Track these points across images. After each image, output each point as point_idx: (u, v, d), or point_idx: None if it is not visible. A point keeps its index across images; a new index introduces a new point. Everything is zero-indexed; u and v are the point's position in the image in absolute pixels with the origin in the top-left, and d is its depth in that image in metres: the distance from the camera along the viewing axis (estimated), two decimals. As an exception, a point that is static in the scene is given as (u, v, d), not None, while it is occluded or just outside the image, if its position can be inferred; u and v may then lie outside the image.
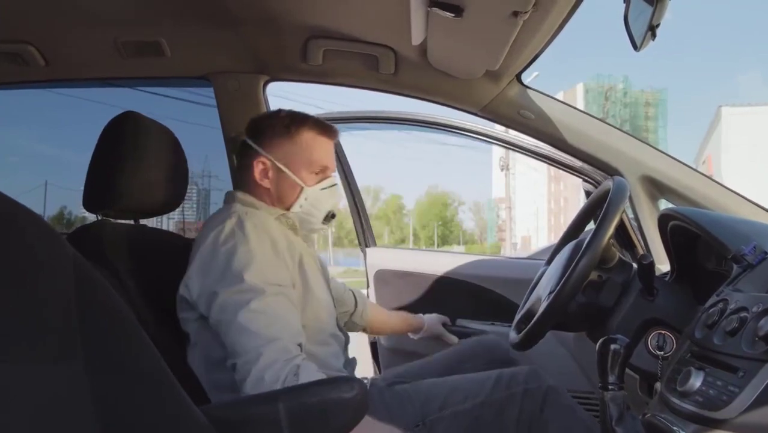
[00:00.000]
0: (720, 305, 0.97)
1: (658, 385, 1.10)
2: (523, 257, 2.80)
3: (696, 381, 0.88)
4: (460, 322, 1.96)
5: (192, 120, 2.15)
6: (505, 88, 1.63)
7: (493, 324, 1.96)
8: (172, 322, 1.31)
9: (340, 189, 1.46)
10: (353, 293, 1.71)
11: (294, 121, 1.39)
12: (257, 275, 1.20)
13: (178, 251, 1.40)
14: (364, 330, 1.78)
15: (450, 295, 2.01)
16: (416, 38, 1.39)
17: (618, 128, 1.71)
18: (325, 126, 1.41)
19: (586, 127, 1.67)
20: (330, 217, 1.41)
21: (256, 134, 1.40)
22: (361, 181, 2.18)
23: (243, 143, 1.42)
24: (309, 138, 1.38)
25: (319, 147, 1.39)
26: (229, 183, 1.83)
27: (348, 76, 1.75)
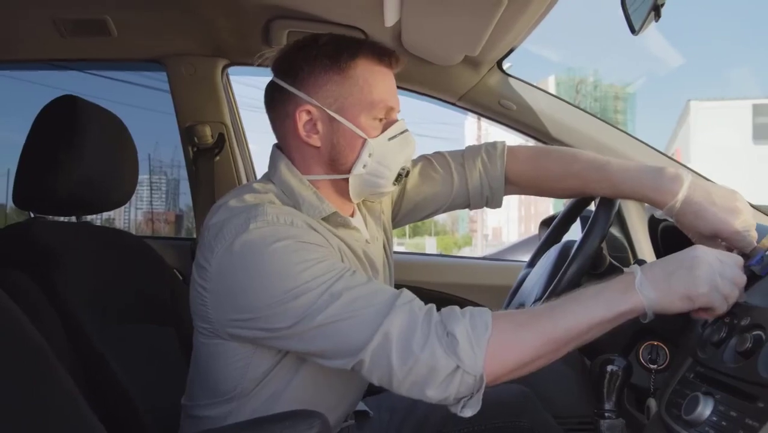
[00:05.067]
0: (726, 320, 0.88)
1: (651, 401, 1.03)
2: (495, 256, 2.70)
3: (705, 410, 0.78)
4: None
5: (162, 109, 2.04)
6: (485, 76, 1.58)
7: None
8: (126, 331, 1.21)
9: (413, 137, 1.07)
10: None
11: (343, 49, 1.03)
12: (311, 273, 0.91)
13: (129, 251, 1.31)
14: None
15: None
16: (389, 19, 1.31)
17: (605, 121, 1.63)
18: (385, 52, 1.05)
19: (572, 119, 1.62)
20: (404, 174, 1.07)
21: (291, 72, 1.04)
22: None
23: (272, 87, 1.07)
24: (366, 71, 1.02)
25: (380, 81, 1.04)
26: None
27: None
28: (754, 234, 1.01)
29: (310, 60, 1.02)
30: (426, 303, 0.90)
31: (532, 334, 0.87)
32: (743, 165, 15.70)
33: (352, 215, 1.10)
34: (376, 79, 1.03)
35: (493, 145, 1.22)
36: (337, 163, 1.03)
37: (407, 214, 1.25)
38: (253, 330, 0.92)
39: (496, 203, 1.24)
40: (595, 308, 0.87)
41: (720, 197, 1.03)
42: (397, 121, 1.05)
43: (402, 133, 1.05)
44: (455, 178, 1.21)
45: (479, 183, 1.21)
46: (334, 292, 0.87)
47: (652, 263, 0.89)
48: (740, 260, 0.89)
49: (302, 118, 1.02)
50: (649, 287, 0.85)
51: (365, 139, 1.01)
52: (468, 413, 0.87)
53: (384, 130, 1.03)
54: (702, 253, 0.86)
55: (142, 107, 2.22)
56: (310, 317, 0.87)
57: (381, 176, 1.04)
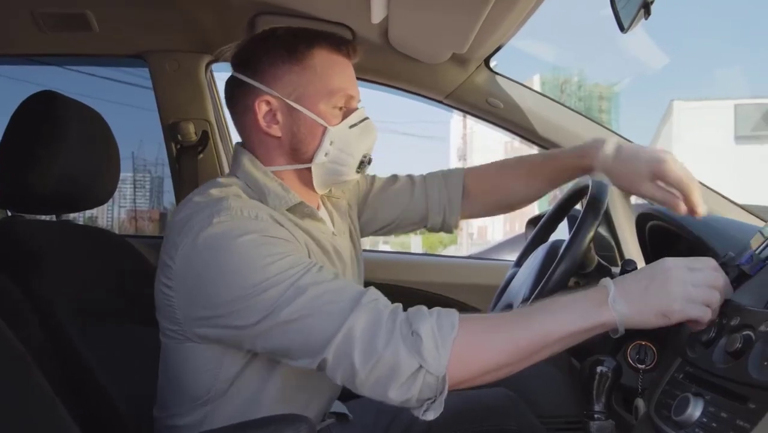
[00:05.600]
0: (716, 320, 0.87)
1: (639, 402, 1.02)
2: (481, 255, 2.70)
3: (695, 411, 0.77)
4: None
5: (146, 105, 2.01)
6: (472, 74, 1.57)
7: None
8: (108, 331, 1.18)
9: (374, 124, 1.08)
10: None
11: (300, 40, 1.04)
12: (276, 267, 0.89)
13: (112, 250, 1.29)
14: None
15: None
16: (376, 16, 1.29)
17: (592, 119, 1.63)
18: (342, 41, 1.07)
19: (559, 117, 1.63)
20: (366, 162, 1.07)
21: (248, 64, 1.05)
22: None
23: (233, 81, 1.07)
24: (324, 59, 1.03)
25: (339, 70, 1.05)
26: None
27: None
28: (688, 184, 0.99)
29: (268, 51, 1.03)
30: (412, 303, 0.88)
31: (500, 340, 0.85)
32: (725, 164, 15.87)
33: (317, 209, 1.10)
34: (334, 68, 1.04)
35: (451, 170, 1.30)
36: (298, 153, 1.04)
37: (368, 221, 1.27)
38: (219, 328, 0.90)
39: (454, 214, 1.27)
40: (566, 320, 0.84)
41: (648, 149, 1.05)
42: (357, 109, 1.06)
43: (363, 120, 1.06)
44: (416, 188, 1.26)
45: (438, 193, 1.26)
46: (299, 286, 0.85)
47: (624, 278, 0.87)
48: (712, 261, 0.87)
49: (262, 109, 1.02)
50: (623, 302, 0.82)
51: (326, 127, 1.02)
52: (430, 416, 0.85)
53: (344, 118, 1.04)
54: (672, 265, 0.84)
55: (125, 104, 2.19)
56: (275, 312, 0.85)
57: (343, 164, 1.04)
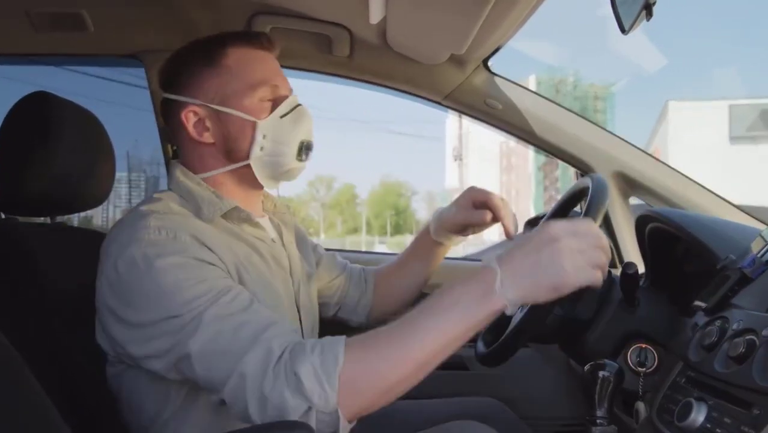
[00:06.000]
0: (718, 323, 0.86)
1: (640, 405, 1.02)
2: (477, 255, 2.68)
3: (698, 416, 0.77)
4: None
5: (140, 105, 1.99)
6: (470, 75, 1.55)
7: None
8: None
9: (307, 110, 1.07)
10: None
11: (212, 44, 1.05)
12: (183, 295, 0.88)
13: None
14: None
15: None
16: (375, 17, 1.27)
17: (591, 121, 1.62)
18: (254, 35, 1.08)
19: (558, 119, 1.61)
20: (305, 148, 1.06)
21: (171, 82, 1.06)
22: (314, 170, 2.02)
23: (163, 103, 1.09)
24: (238, 57, 1.04)
25: (256, 64, 1.05)
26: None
27: (297, 58, 1.61)
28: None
29: (184, 63, 1.06)
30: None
31: (392, 358, 0.80)
32: (720, 164, 15.93)
33: (259, 216, 1.10)
34: (250, 63, 1.04)
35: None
36: (233, 153, 1.04)
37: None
38: (131, 354, 0.90)
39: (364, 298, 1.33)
40: (451, 321, 0.79)
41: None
42: (287, 97, 1.05)
43: (295, 108, 1.05)
44: (345, 267, 1.34)
45: (358, 275, 1.34)
46: (203, 320, 0.84)
47: (511, 254, 0.79)
48: (588, 221, 0.84)
49: (190, 119, 1.03)
50: (512, 287, 0.77)
51: (255, 122, 1.02)
52: None
53: (274, 109, 1.04)
54: (556, 232, 0.78)
55: (119, 103, 2.17)
56: (180, 344, 0.84)
57: (281, 154, 1.04)
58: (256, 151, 1.03)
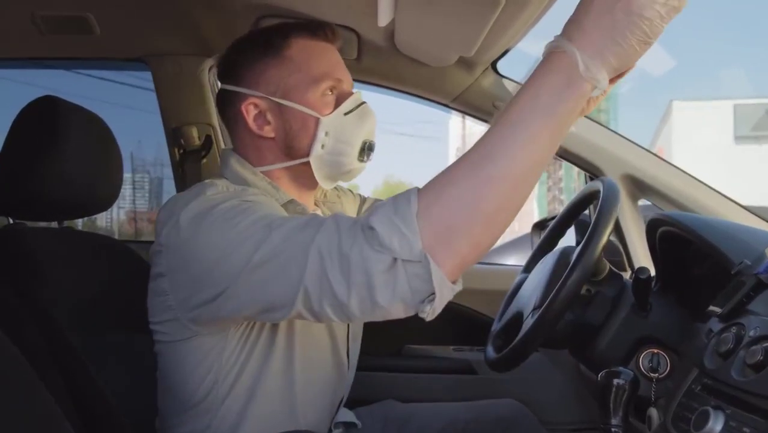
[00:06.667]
0: (734, 330, 0.85)
1: (652, 411, 1.00)
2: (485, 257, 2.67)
3: (716, 425, 0.76)
4: (410, 350, 1.72)
5: (143, 106, 2.03)
6: (479, 78, 1.54)
7: (459, 349, 1.71)
8: (112, 341, 1.16)
9: (372, 109, 1.03)
10: None
11: (274, 34, 1.01)
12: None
13: (114, 258, 1.27)
14: None
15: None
16: (383, 19, 1.25)
17: (599, 123, 1.61)
18: (317, 25, 1.03)
19: None
20: (368, 149, 1.02)
21: (230, 72, 1.03)
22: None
23: (221, 94, 1.07)
24: (301, 47, 1.00)
25: (320, 55, 1.01)
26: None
27: (304, 61, 1.59)
28: None
29: (245, 54, 1.02)
30: None
31: (471, 184, 0.69)
32: (724, 164, 15.87)
33: (311, 210, 1.08)
34: (314, 54, 1.01)
35: None
36: (293, 150, 1.01)
37: None
38: (210, 303, 0.85)
39: None
40: (536, 125, 0.68)
41: None
42: (352, 93, 1.02)
43: (359, 106, 1.02)
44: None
45: None
46: (271, 225, 0.80)
47: (578, 27, 0.66)
48: None
49: (250, 112, 1.00)
50: (597, 64, 0.65)
51: (318, 118, 0.99)
52: (428, 312, 0.73)
53: (338, 105, 1.00)
54: None
55: (123, 105, 2.17)
56: (253, 257, 0.79)
57: (342, 154, 1.00)
58: (317, 149, 0.99)
